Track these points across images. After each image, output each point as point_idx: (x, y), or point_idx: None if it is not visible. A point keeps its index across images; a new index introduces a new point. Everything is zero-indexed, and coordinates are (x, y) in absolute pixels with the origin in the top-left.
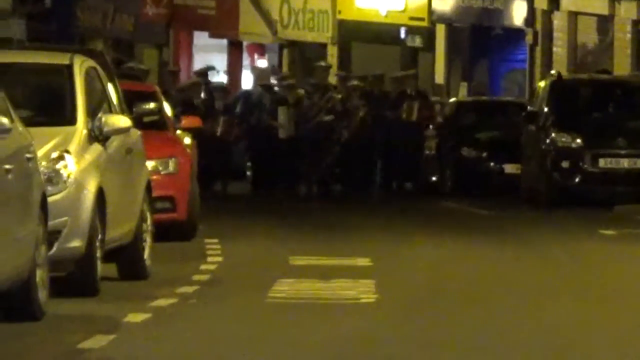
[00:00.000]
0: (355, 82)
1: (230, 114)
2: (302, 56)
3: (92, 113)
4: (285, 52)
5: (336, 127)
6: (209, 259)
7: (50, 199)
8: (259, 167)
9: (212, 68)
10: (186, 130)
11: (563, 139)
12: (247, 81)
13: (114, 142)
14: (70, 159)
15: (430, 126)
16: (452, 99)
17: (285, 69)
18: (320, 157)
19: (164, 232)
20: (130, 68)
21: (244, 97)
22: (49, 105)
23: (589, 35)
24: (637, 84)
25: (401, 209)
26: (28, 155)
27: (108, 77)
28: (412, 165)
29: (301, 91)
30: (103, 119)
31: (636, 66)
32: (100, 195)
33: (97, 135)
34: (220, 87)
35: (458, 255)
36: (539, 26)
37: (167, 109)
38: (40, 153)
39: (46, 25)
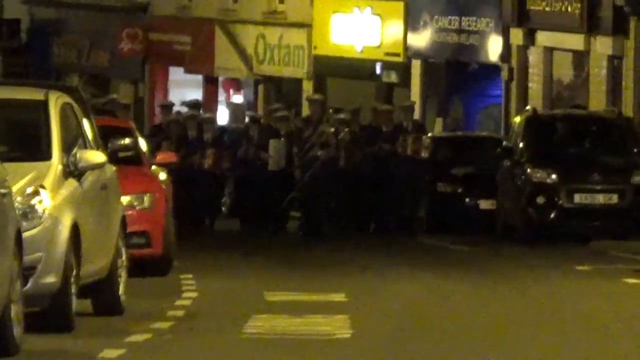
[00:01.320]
0: (342, 116)
1: (219, 147)
2: (277, 91)
3: (67, 148)
4: (260, 87)
5: (329, 161)
6: (184, 294)
7: (25, 235)
8: (245, 200)
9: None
10: (161, 165)
11: (538, 175)
12: (222, 117)
13: (89, 178)
14: (45, 195)
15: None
16: (428, 135)
17: (260, 104)
18: (313, 192)
19: (139, 268)
20: (112, 101)
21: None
22: (24, 140)
23: (564, 71)
24: (612, 119)
25: (377, 245)
26: (3, 191)
27: (83, 113)
28: (407, 202)
29: (292, 123)
30: (78, 155)
31: (612, 101)
32: (75, 230)
33: (72, 171)
34: (209, 119)
35: (434, 290)
36: (514, 62)
37: (142, 144)
38: (15, 188)
39: (22, 61)
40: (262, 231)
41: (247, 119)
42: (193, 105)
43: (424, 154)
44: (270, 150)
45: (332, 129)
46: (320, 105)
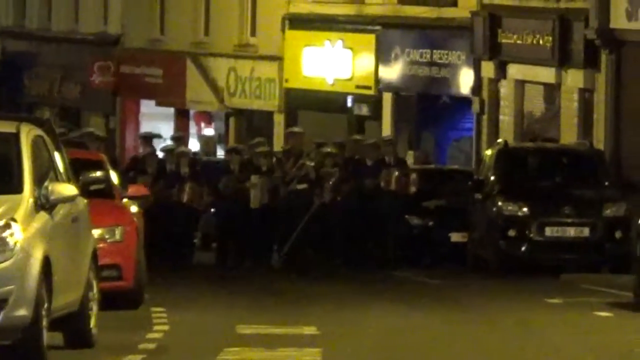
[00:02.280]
0: (329, 149)
1: (197, 180)
2: (249, 124)
3: (38, 181)
4: (232, 120)
5: (309, 195)
6: (156, 327)
7: None
8: (226, 236)
9: (159, 136)
10: (133, 198)
11: (509, 208)
12: (194, 149)
13: (61, 211)
14: (16, 227)
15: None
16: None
17: (231, 137)
18: (292, 226)
19: (111, 300)
20: (88, 133)
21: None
22: None
23: (535, 104)
24: (584, 152)
25: (349, 277)
26: None
27: (55, 146)
28: (389, 235)
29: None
30: (50, 188)
31: (583, 134)
32: (47, 263)
33: (44, 204)
34: (186, 153)
35: (405, 323)
36: (485, 95)
37: (114, 177)
38: None
39: None
40: (240, 265)
41: (222, 154)
42: (174, 139)
43: (412, 190)
44: (252, 187)
45: (312, 163)
46: (301, 138)
